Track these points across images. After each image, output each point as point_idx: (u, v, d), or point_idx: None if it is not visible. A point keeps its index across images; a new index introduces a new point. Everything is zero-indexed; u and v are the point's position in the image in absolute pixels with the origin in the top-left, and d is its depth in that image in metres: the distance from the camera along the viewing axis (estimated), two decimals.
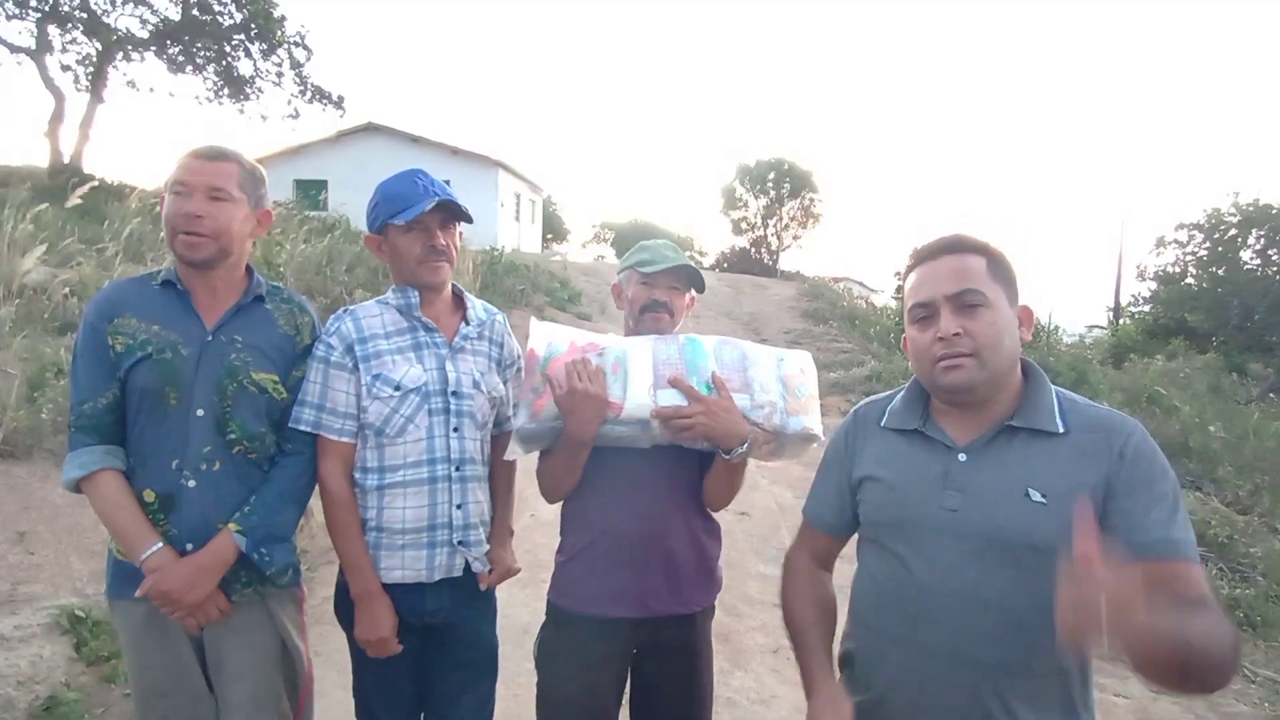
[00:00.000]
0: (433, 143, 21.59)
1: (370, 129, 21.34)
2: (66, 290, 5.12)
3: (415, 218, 1.53)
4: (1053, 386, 1.18)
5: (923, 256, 1.23)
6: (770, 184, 32.12)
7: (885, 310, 16.09)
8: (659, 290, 1.68)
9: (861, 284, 31.28)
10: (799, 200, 32.58)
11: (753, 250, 33.05)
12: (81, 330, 1.47)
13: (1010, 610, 1.08)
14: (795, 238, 32.72)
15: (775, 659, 3.26)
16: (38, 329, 4.52)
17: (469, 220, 1.64)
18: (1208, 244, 18.07)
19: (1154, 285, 19.35)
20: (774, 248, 33.01)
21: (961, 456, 1.17)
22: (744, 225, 33.57)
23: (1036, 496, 1.09)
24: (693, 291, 1.74)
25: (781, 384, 1.58)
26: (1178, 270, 18.21)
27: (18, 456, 3.39)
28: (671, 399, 1.50)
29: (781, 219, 32.94)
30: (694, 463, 1.66)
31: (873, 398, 1.38)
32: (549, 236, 32.84)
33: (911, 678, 1.17)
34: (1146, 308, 19.14)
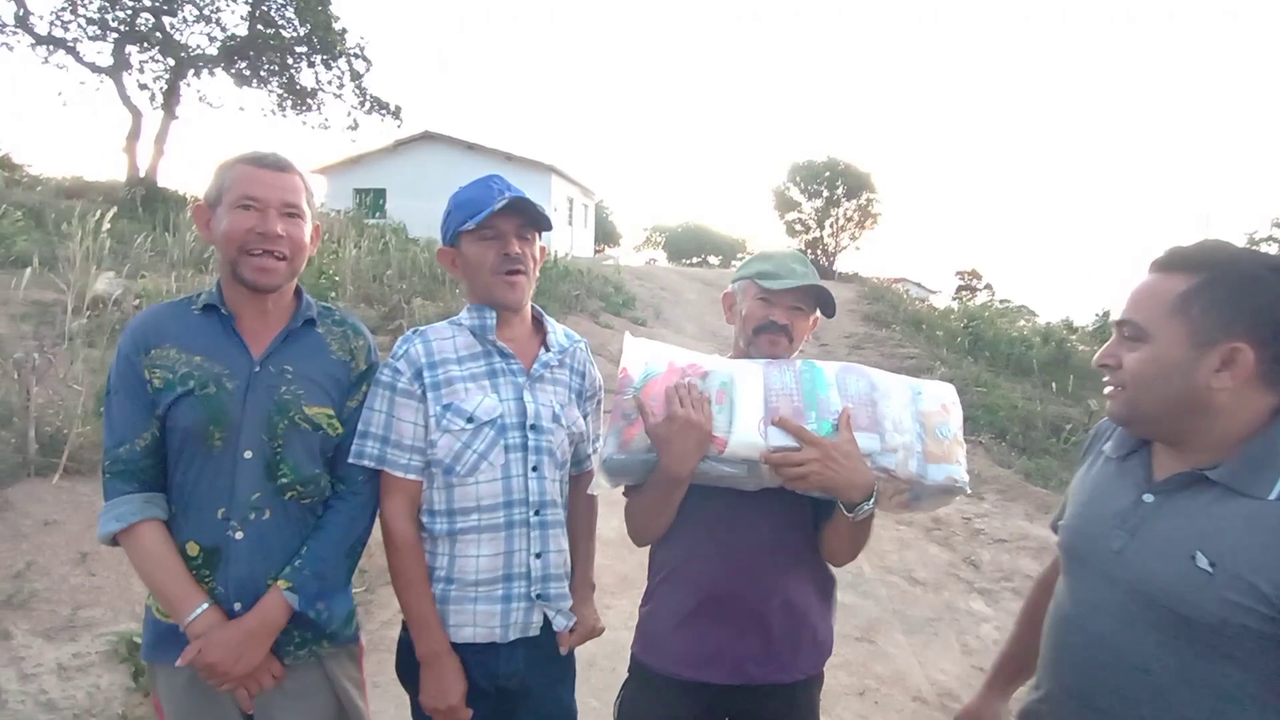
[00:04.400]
0: (487, 149, 21.81)
1: (427, 137, 21.72)
2: (137, 302, 5.21)
3: (486, 221, 1.37)
4: None
5: (1148, 268, 1.08)
6: (824, 184, 31.45)
7: (949, 312, 15.41)
8: (779, 310, 1.44)
9: (920, 285, 30.33)
10: (856, 200, 31.80)
11: (809, 252, 32.42)
12: (115, 363, 1.33)
13: (1146, 670, 0.99)
14: (853, 238, 31.93)
15: (862, 703, 2.97)
16: (106, 341, 4.58)
17: (547, 226, 1.46)
18: None
19: None
20: (830, 249, 32.29)
21: (1148, 497, 1.05)
22: (798, 226, 32.96)
23: (1203, 562, 0.95)
24: (818, 313, 1.50)
25: (918, 422, 1.32)
26: None
27: (83, 473, 3.38)
28: (786, 439, 1.27)
29: (838, 220, 32.22)
30: (808, 508, 1.43)
31: None
32: (600, 243, 32.89)
33: (1054, 702, 1.14)
34: None
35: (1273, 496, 0.93)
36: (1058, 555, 1.29)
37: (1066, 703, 1.10)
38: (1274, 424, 0.98)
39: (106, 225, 5.46)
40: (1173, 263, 1.03)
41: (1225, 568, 0.93)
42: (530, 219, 1.43)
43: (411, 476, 1.39)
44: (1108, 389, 1.09)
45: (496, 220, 1.39)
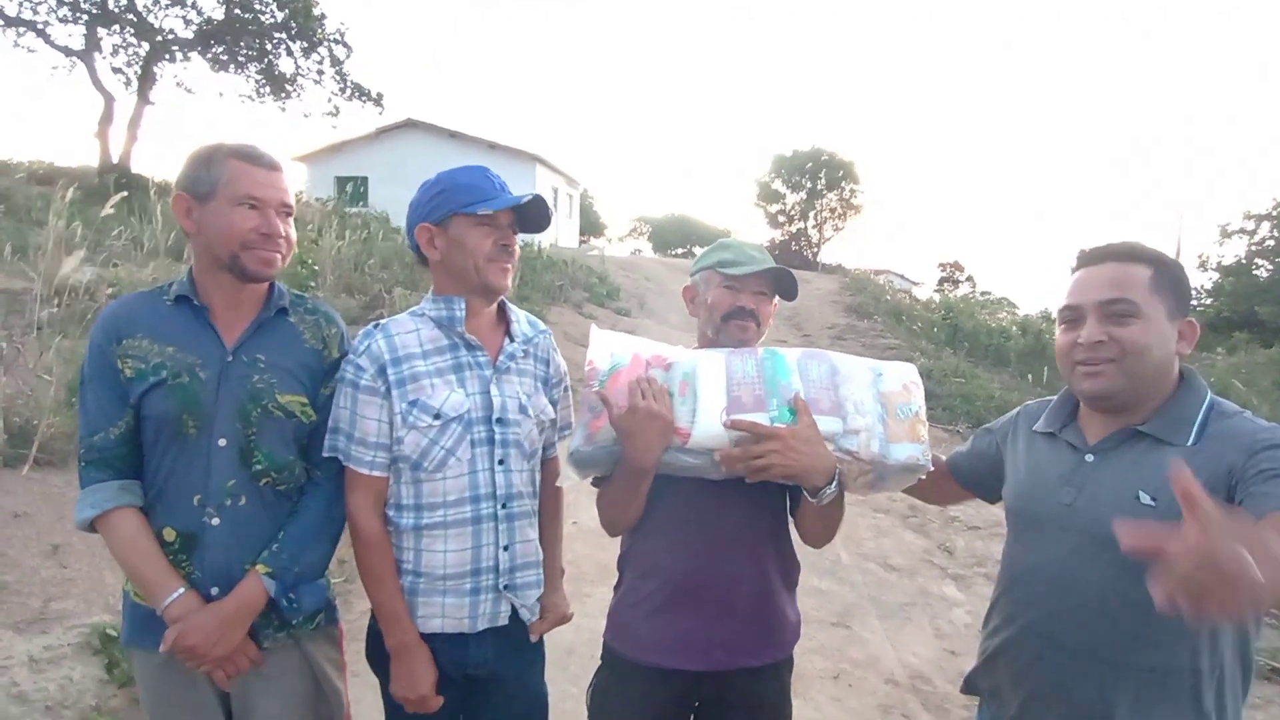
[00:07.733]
0: (471, 137, 21.61)
1: (409, 125, 21.47)
2: (110, 291, 5.12)
3: (496, 211, 1.37)
4: (1214, 401, 1.17)
5: (1088, 260, 1.23)
6: (806, 176, 31.53)
7: (930, 304, 15.57)
8: (745, 296, 1.47)
9: (903, 276, 30.60)
10: (838, 191, 31.94)
11: (792, 243, 32.50)
12: (88, 353, 1.33)
13: (1102, 602, 1.14)
14: (837, 229, 32.07)
15: (836, 686, 3.02)
16: (78, 330, 4.50)
17: (544, 228, 1.47)
18: (1275, 233, 17.14)
19: (1216, 277, 18.48)
20: (814, 240, 32.42)
21: (1089, 457, 1.22)
22: (781, 218, 33.04)
23: (1146, 499, 1.11)
24: (776, 299, 1.53)
25: (880, 404, 1.35)
26: (1245, 261, 17.33)
27: (54, 464, 3.33)
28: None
29: (820, 211, 32.34)
30: (777, 496, 1.46)
31: (1042, 399, 1.41)
32: (584, 234, 32.75)
33: (1016, 651, 1.26)
34: (1209, 300, 18.31)
35: (1190, 443, 1.13)
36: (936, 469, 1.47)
37: (1032, 641, 1.23)
38: (1182, 386, 1.19)
39: (105, 214, 5.27)
40: (1131, 254, 1.19)
41: (1165, 501, 1.08)
42: (534, 221, 1.44)
43: (377, 473, 1.39)
44: (1094, 368, 1.17)
45: (499, 215, 1.39)
